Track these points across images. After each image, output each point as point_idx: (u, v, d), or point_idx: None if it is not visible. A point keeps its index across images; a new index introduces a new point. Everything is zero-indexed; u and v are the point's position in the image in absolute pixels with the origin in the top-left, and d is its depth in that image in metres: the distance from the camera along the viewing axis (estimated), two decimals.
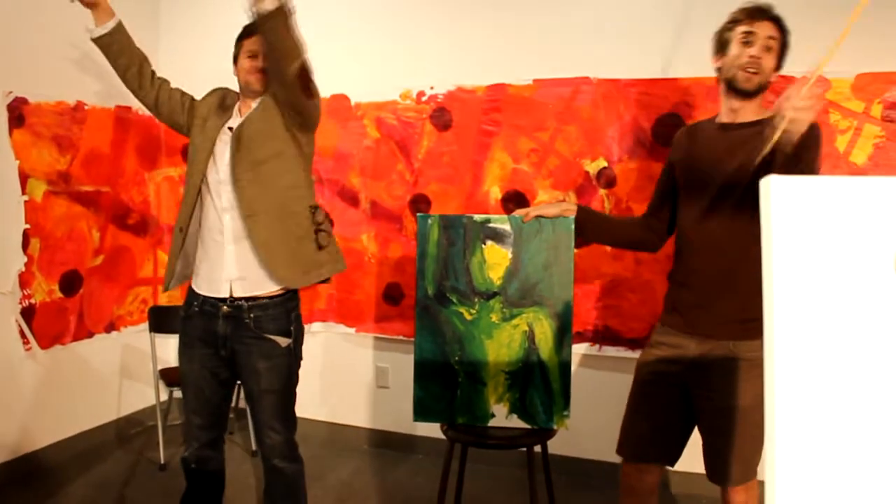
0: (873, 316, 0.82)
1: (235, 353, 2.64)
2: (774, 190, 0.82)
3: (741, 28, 2.25)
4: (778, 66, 2.26)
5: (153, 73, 2.80)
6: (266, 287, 2.60)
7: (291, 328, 2.66)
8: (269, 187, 2.57)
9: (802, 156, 2.01)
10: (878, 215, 0.82)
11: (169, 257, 2.72)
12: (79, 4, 2.64)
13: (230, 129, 2.62)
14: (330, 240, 2.71)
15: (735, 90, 2.27)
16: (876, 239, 0.82)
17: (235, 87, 2.79)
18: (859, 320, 0.82)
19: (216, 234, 2.60)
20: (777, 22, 2.24)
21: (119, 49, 2.71)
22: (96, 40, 2.69)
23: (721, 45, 2.30)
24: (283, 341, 2.63)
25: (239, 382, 2.76)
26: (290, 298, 2.66)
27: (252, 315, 2.59)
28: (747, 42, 2.24)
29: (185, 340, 2.71)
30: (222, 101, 2.75)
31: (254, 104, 2.67)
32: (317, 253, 2.65)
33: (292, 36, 2.39)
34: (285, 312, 2.64)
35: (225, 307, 2.59)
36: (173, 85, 2.83)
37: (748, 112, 2.28)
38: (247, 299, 2.58)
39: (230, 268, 2.59)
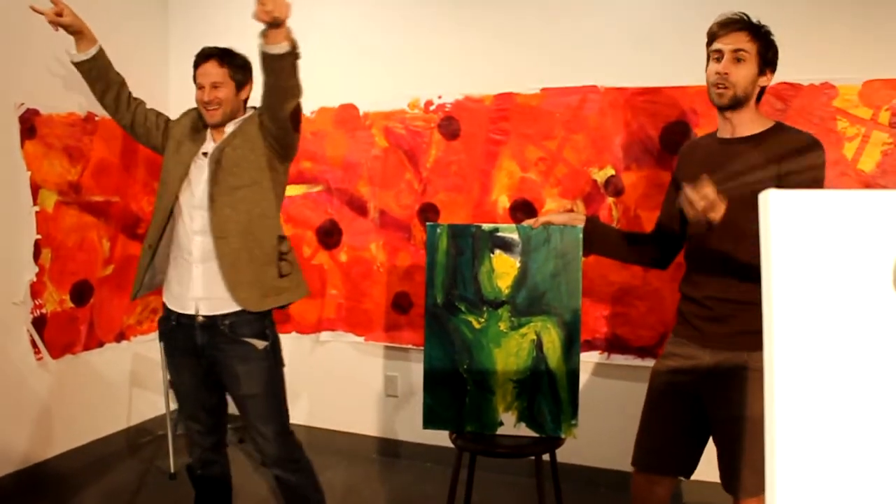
0: (871, 330, 0.83)
1: (214, 361, 2.71)
2: (773, 204, 0.83)
3: (713, 45, 2.28)
4: (761, 73, 2.25)
5: (129, 95, 2.90)
6: (228, 307, 2.66)
7: (267, 331, 2.72)
8: (240, 213, 2.64)
9: (805, 174, 2.12)
10: (877, 229, 0.82)
11: (137, 270, 2.79)
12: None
13: (204, 154, 2.69)
14: (293, 268, 2.78)
15: (716, 107, 2.30)
16: (874, 253, 0.82)
17: None
18: (857, 334, 0.83)
19: (185, 254, 2.69)
20: (751, 30, 2.23)
21: (98, 74, 2.84)
22: (77, 65, 2.82)
23: (707, 63, 2.32)
24: (260, 344, 2.69)
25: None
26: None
27: (227, 322, 2.66)
28: (716, 59, 2.26)
29: (170, 353, 2.82)
30: (195, 123, 2.79)
31: (228, 129, 2.73)
32: (277, 280, 2.72)
33: (296, 76, 2.49)
34: (259, 317, 2.70)
35: (199, 317, 2.67)
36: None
37: (744, 125, 2.28)
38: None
39: (196, 287, 2.67)
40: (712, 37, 2.28)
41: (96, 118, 3.93)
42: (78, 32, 2.78)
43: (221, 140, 2.70)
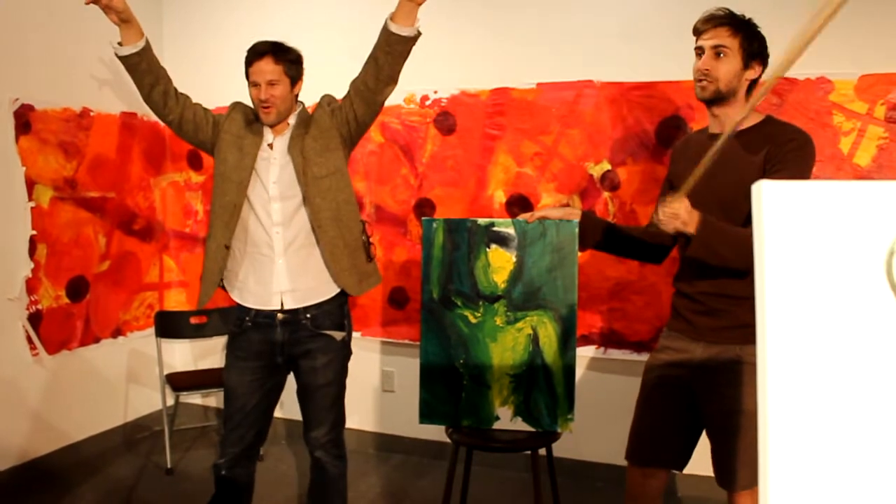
0: (863, 321, 0.83)
1: (293, 357, 2.74)
2: (766, 194, 0.83)
3: (696, 42, 2.28)
4: (747, 66, 2.24)
5: (176, 90, 2.77)
6: (316, 297, 2.71)
7: (345, 321, 2.79)
8: (329, 201, 2.67)
9: (789, 165, 2.13)
10: (870, 219, 0.82)
11: (207, 274, 2.73)
12: (104, 15, 2.58)
13: (269, 146, 2.69)
14: (373, 253, 2.86)
15: (701, 101, 2.31)
16: (867, 243, 0.82)
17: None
18: (850, 325, 0.83)
19: (264, 249, 2.67)
20: (732, 25, 2.22)
21: (147, 67, 2.67)
22: (125, 58, 2.63)
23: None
24: (338, 335, 2.76)
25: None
26: (341, 294, 2.76)
27: (308, 315, 2.69)
28: (698, 55, 2.27)
29: (239, 355, 2.75)
30: (247, 117, 2.76)
31: (291, 120, 2.73)
32: (367, 264, 2.81)
33: (404, 63, 2.62)
34: (338, 307, 2.76)
35: (280, 314, 2.68)
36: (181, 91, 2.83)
37: (733, 119, 2.27)
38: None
39: (281, 280, 2.67)
40: (695, 32, 2.28)
41: (91, 113, 3.92)
42: (127, 21, 2.58)
43: (291, 131, 2.70)
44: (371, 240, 2.84)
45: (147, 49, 2.65)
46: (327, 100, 2.78)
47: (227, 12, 4.33)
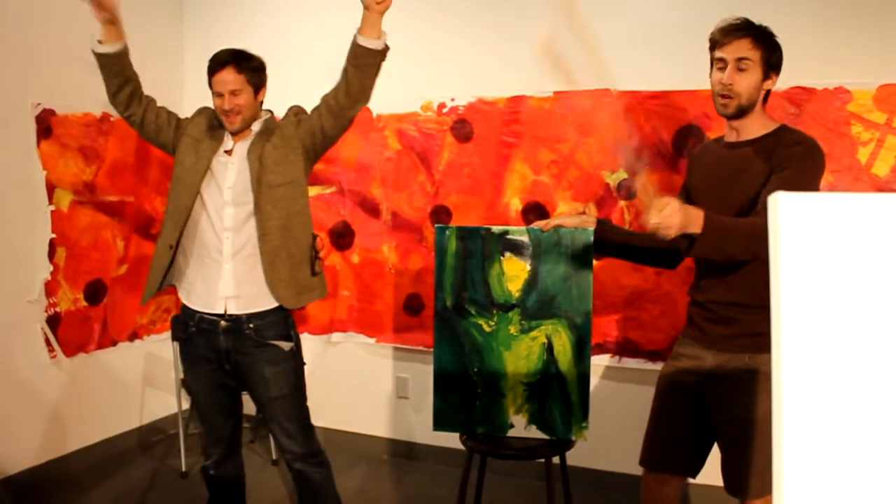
0: (879, 333, 0.82)
1: (239, 365, 2.71)
2: (782, 206, 0.83)
3: (715, 52, 2.24)
4: (766, 77, 2.21)
5: (142, 94, 2.79)
6: (259, 305, 2.68)
7: (291, 332, 2.75)
8: (280, 210, 2.65)
9: (794, 165, 2.10)
10: (886, 232, 0.82)
11: (152, 271, 2.74)
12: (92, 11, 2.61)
13: (227, 152, 2.70)
14: (321, 267, 2.81)
15: (722, 116, 2.28)
16: (884, 256, 0.82)
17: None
18: (866, 337, 0.83)
19: (213, 253, 2.67)
20: (753, 36, 2.19)
21: (119, 70, 2.70)
22: (100, 55, 2.68)
23: (710, 69, 2.30)
24: (286, 345, 2.72)
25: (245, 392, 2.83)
26: (283, 308, 2.73)
27: (251, 325, 2.67)
28: (720, 68, 2.23)
29: (189, 360, 2.80)
30: (211, 121, 2.76)
31: (255, 127, 2.73)
32: (310, 278, 2.75)
33: (376, 78, 2.62)
34: (282, 318, 2.73)
35: (223, 322, 2.66)
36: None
37: (751, 128, 2.26)
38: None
39: (226, 286, 2.66)
40: (714, 43, 2.24)
41: (111, 118, 3.95)
42: (111, 23, 2.62)
43: (253, 138, 2.70)
44: (320, 254, 2.81)
45: (124, 52, 2.69)
46: (295, 110, 2.78)
47: (249, 17, 4.36)
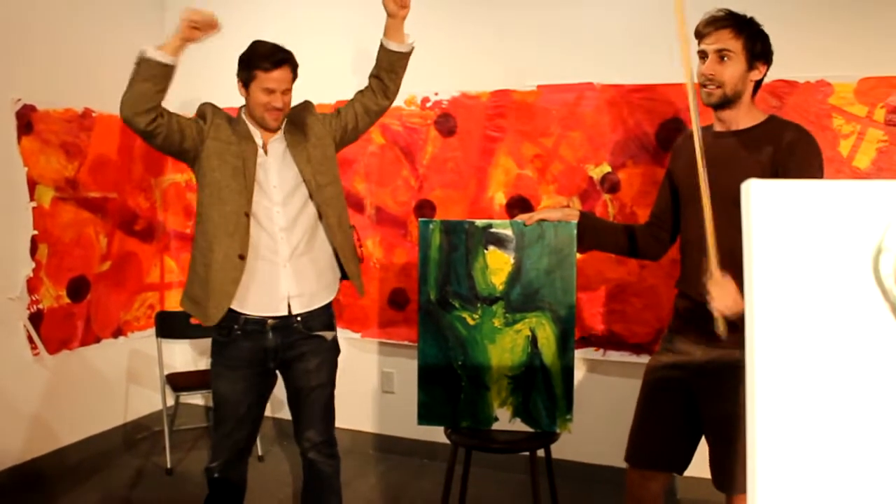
0: (852, 319, 0.83)
1: (286, 361, 2.73)
2: (755, 194, 0.83)
3: (699, 45, 2.24)
4: (751, 67, 2.21)
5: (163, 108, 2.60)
6: (319, 301, 2.74)
7: (333, 321, 2.83)
8: (334, 208, 2.74)
9: (804, 174, 2.08)
10: (857, 218, 0.82)
11: (218, 286, 2.58)
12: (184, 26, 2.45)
13: (263, 150, 2.67)
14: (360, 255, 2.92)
15: (707, 106, 2.27)
16: (857, 243, 0.83)
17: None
18: (838, 323, 0.83)
19: (270, 255, 2.64)
20: (734, 27, 2.19)
21: (167, 83, 2.50)
22: (161, 65, 2.44)
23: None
24: (329, 335, 2.80)
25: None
26: None
27: (299, 318, 2.69)
28: (702, 59, 2.24)
29: (229, 364, 2.69)
30: (229, 121, 2.68)
31: (282, 126, 2.72)
32: (359, 267, 2.88)
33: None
34: (326, 308, 2.79)
35: (271, 320, 2.66)
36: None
37: (738, 119, 2.26)
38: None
39: (288, 286, 2.66)
40: (698, 36, 2.25)
41: (93, 114, 3.93)
42: (188, 40, 2.46)
43: (283, 136, 2.69)
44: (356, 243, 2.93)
45: (174, 70, 2.50)
46: (313, 107, 2.82)
47: (231, 14, 4.32)
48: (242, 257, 2.58)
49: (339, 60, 4.00)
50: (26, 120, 3.59)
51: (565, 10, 3.65)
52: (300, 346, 2.71)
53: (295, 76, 2.68)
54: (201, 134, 2.63)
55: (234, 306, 2.63)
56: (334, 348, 2.84)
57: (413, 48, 2.78)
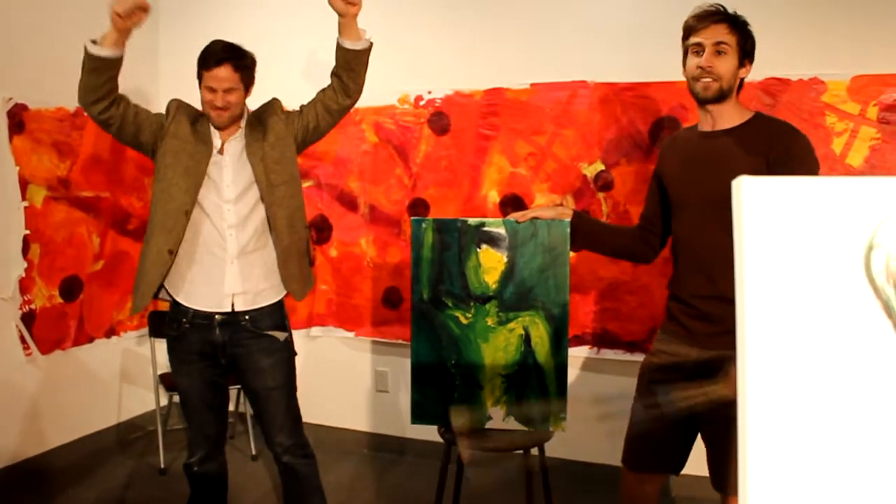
0: (844, 316, 0.83)
1: (235, 357, 2.71)
2: (745, 191, 0.83)
3: (691, 39, 2.24)
4: (741, 65, 2.21)
5: (119, 95, 2.64)
6: (264, 300, 2.72)
7: (285, 322, 2.79)
8: (284, 208, 2.70)
9: (798, 171, 2.05)
10: (849, 215, 0.82)
11: (146, 277, 2.65)
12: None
13: (219, 150, 2.68)
14: (314, 257, 2.91)
15: (700, 101, 2.26)
16: (848, 240, 0.82)
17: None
18: (830, 320, 0.83)
19: (216, 251, 2.66)
20: (730, 22, 2.20)
21: (113, 74, 2.56)
22: (100, 58, 2.50)
23: (683, 58, 2.29)
24: (281, 335, 2.76)
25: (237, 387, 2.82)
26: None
27: (247, 316, 2.68)
28: (696, 52, 2.22)
29: (182, 357, 2.75)
30: (192, 119, 2.71)
31: (242, 123, 2.72)
32: (308, 269, 2.85)
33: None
34: (277, 308, 2.77)
35: (218, 315, 2.66)
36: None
37: (725, 118, 2.25)
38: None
39: (232, 283, 2.66)
40: (689, 30, 2.24)
41: (85, 113, 3.90)
42: (124, 31, 2.49)
43: (244, 136, 2.69)
44: (310, 245, 2.89)
45: (121, 59, 2.56)
46: (277, 105, 2.80)
47: (224, 14, 4.32)
48: (172, 252, 2.62)
49: (330, 59, 3.99)
50: (18, 119, 3.58)
51: (558, 8, 3.64)
52: (249, 345, 2.70)
53: (245, 76, 2.65)
54: (161, 130, 2.69)
55: (182, 300, 2.69)
56: (287, 349, 2.80)
57: (371, 44, 2.72)
